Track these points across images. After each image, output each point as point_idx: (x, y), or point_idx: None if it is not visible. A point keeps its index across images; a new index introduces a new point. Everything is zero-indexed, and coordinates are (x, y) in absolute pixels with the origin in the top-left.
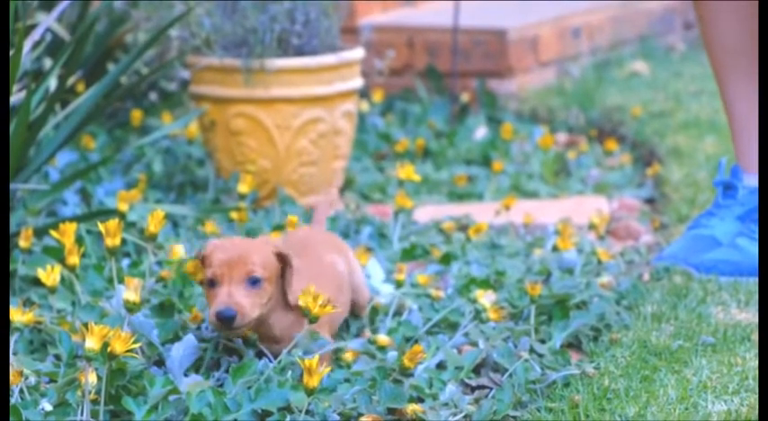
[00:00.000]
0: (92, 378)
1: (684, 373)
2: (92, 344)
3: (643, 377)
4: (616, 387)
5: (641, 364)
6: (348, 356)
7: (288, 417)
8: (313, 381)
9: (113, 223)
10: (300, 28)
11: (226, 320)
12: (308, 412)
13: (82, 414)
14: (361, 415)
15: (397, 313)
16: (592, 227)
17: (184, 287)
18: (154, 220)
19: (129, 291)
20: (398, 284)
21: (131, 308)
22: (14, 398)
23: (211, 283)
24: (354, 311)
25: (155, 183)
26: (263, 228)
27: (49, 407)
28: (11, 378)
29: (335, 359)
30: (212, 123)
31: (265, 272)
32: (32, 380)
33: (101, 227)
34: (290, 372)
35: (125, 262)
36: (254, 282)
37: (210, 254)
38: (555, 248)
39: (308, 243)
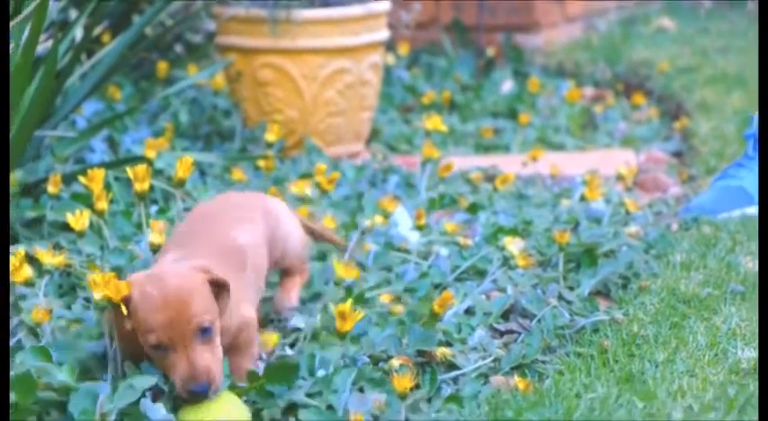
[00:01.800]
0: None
1: (714, 321)
2: (98, 295)
3: (672, 324)
4: (645, 333)
5: (670, 311)
6: (384, 299)
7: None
8: (346, 326)
9: (142, 168)
10: None
11: (200, 395)
12: (339, 356)
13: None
14: (391, 357)
15: (425, 259)
16: (619, 178)
17: None
18: (182, 166)
19: (155, 234)
20: (420, 228)
21: (156, 250)
22: (46, 339)
23: (158, 347)
24: (287, 271)
25: (181, 132)
26: (290, 177)
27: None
28: (40, 316)
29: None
30: (239, 74)
31: (211, 314)
32: (63, 321)
33: (129, 172)
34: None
35: (153, 208)
36: (205, 331)
37: (140, 306)
38: (582, 199)
39: (213, 216)
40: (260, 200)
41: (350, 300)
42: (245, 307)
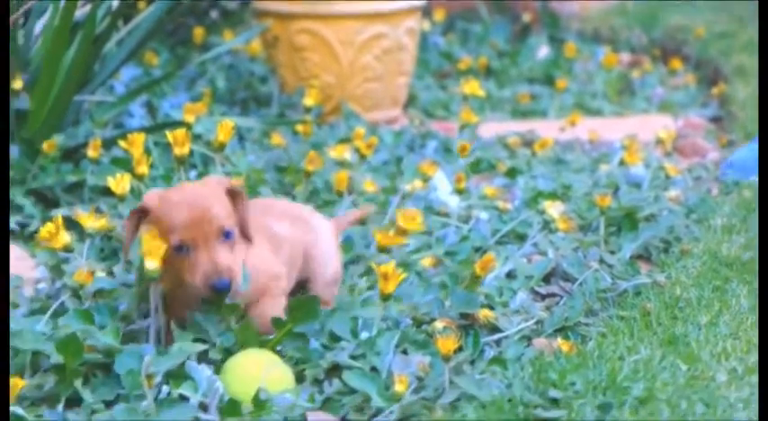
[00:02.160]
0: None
1: (756, 284)
2: (151, 264)
3: (715, 287)
4: (688, 296)
5: (712, 275)
6: (426, 263)
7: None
8: (389, 287)
9: (181, 132)
10: None
11: (222, 291)
12: (382, 319)
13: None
14: (433, 320)
15: (465, 223)
16: (659, 142)
17: (252, 197)
18: (223, 130)
19: None
20: (460, 192)
21: None
22: (88, 303)
23: (180, 249)
24: (310, 284)
25: (218, 98)
26: (328, 142)
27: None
28: (83, 278)
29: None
30: (275, 39)
31: (231, 219)
32: (106, 282)
33: (169, 136)
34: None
35: (192, 173)
36: (227, 234)
37: (160, 210)
38: (622, 163)
39: (258, 209)
40: (305, 212)
41: (393, 261)
42: (276, 264)
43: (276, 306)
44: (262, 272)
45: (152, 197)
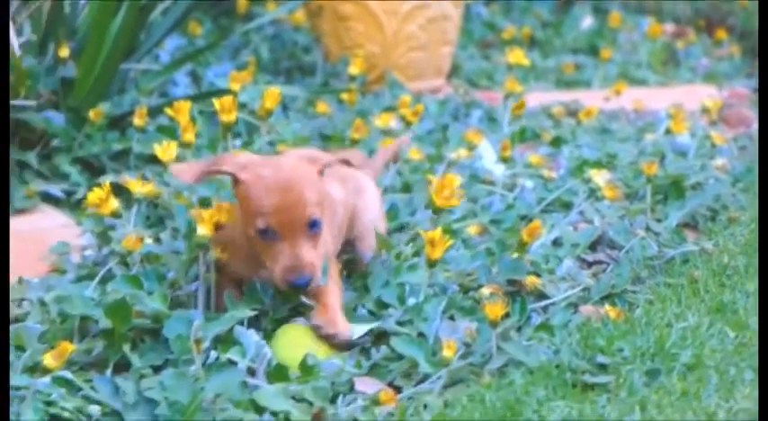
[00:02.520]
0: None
1: None
2: (203, 230)
3: None
4: (735, 264)
5: None
6: (471, 230)
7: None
8: (436, 253)
9: (228, 99)
10: None
11: (300, 289)
12: (428, 285)
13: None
14: (480, 286)
15: (510, 191)
16: (704, 111)
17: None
18: (269, 97)
19: None
20: (505, 161)
21: None
22: (135, 269)
23: (265, 233)
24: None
25: (262, 67)
26: (373, 111)
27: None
28: (131, 244)
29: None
30: (320, 9)
31: (321, 207)
32: (154, 248)
33: (216, 103)
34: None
35: (237, 142)
36: (314, 225)
37: (254, 187)
38: (667, 132)
39: None
40: (354, 173)
41: (439, 228)
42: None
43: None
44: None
45: (246, 168)
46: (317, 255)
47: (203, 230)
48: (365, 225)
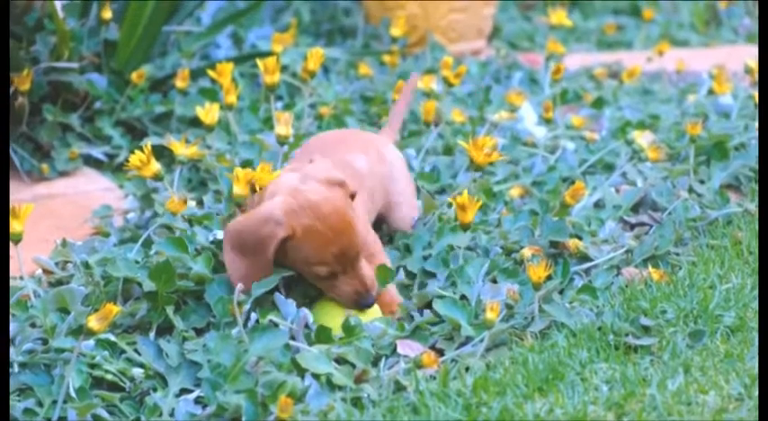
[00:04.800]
0: None
1: None
2: (239, 190)
3: None
4: None
5: None
6: (513, 193)
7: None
8: (467, 217)
9: (272, 60)
10: None
11: (370, 305)
12: (470, 248)
13: None
14: (522, 248)
15: (551, 153)
16: (748, 71)
17: (339, 127)
18: (312, 58)
19: (280, 126)
20: (547, 122)
21: (283, 142)
22: (178, 233)
23: (329, 277)
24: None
25: (303, 29)
26: (415, 72)
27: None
28: (175, 206)
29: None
30: None
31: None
32: (197, 210)
33: (259, 64)
34: None
35: (278, 104)
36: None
37: (305, 239)
38: (710, 93)
39: (331, 144)
40: (375, 140)
41: (466, 191)
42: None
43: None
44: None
45: (289, 219)
46: (371, 269)
47: (239, 190)
48: (399, 193)
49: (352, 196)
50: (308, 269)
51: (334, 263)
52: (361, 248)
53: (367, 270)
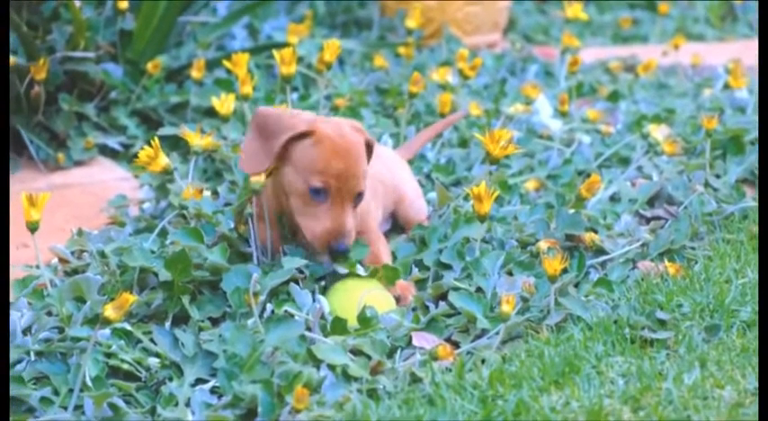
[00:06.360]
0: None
1: None
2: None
3: None
4: None
5: None
6: (529, 186)
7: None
8: (484, 208)
9: (288, 51)
10: None
11: (339, 254)
12: (485, 241)
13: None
14: (538, 240)
15: (567, 146)
16: None
17: (354, 119)
18: (329, 49)
19: None
20: (563, 114)
21: None
22: (194, 222)
23: (317, 192)
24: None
25: (318, 21)
26: (430, 65)
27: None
28: (191, 193)
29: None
30: None
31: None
32: (210, 199)
33: (276, 55)
34: None
35: (294, 95)
36: (359, 197)
37: (321, 144)
38: (726, 87)
39: None
40: (378, 147)
41: (483, 182)
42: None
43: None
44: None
45: (313, 124)
46: (355, 225)
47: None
48: (412, 191)
49: (369, 145)
50: (304, 179)
51: (332, 179)
52: (361, 190)
53: (352, 217)
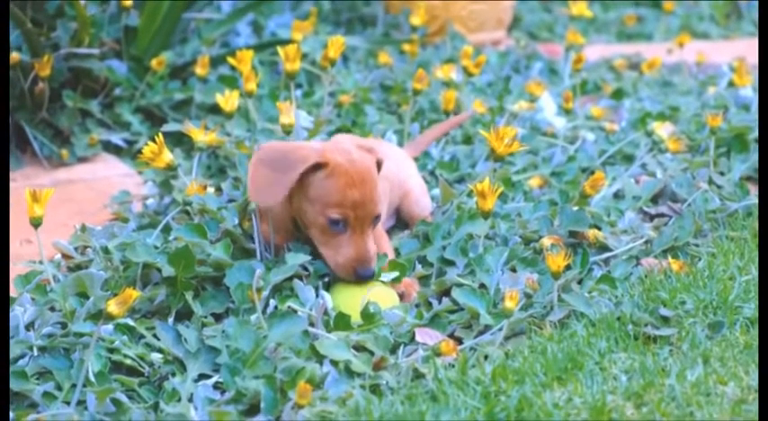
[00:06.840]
0: None
1: None
2: None
3: None
4: None
5: None
6: (532, 183)
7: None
8: (487, 204)
9: (292, 48)
10: None
11: (367, 279)
12: (489, 237)
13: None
14: (542, 237)
15: (571, 143)
16: None
17: (358, 116)
18: (333, 46)
19: (284, 116)
20: (567, 112)
21: (288, 131)
22: (198, 218)
23: (336, 224)
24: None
25: (323, 18)
26: (434, 62)
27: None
28: (195, 189)
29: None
30: None
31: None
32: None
33: (280, 52)
34: None
35: (297, 92)
36: (376, 219)
37: (334, 177)
38: (730, 85)
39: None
40: (385, 147)
41: (487, 178)
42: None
43: (382, 239)
44: None
45: (323, 154)
46: (375, 248)
47: None
48: (418, 188)
49: (379, 164)
50: (321, 212)
51: (350, 210)
52: (378, 213)
53: (372, 242)
